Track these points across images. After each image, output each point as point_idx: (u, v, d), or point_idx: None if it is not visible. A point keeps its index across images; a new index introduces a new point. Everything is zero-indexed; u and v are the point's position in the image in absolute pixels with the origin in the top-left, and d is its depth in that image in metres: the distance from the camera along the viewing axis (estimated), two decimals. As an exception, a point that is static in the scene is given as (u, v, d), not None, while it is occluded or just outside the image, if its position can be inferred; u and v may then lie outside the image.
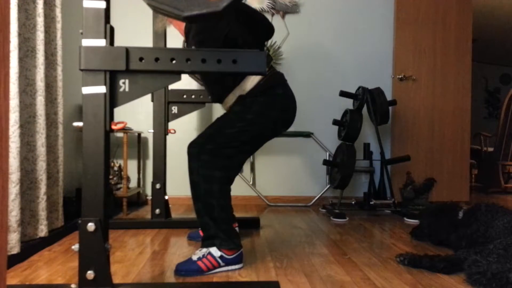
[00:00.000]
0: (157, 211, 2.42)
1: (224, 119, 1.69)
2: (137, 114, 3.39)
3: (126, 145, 2.79)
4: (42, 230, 1.98)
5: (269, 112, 1.70)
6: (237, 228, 1.91)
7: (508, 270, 1.36)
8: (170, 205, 2.73)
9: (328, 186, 3.40)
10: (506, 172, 4.90)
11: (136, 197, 3.35)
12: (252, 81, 1.70)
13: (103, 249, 1.23)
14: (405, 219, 2.81)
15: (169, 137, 3.40)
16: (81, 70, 1.21)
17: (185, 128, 3.42)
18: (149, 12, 3.39)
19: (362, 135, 3.51)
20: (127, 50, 1.22)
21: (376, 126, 3.10)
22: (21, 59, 1.87)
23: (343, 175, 2.84)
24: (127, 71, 1.23)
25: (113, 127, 1.26)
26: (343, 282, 1.50)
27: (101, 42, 1.22)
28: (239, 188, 3.41)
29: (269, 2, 3.41)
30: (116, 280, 1.50)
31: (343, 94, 3.12)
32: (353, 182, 3.47)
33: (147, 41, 3.38)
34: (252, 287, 1.43)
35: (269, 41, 3.45)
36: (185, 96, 2.54)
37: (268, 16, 3.43)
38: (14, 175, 1.72)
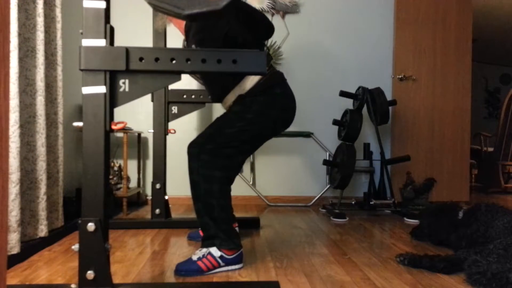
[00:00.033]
0: (157, 211, 2.42)
1: (224, 119, 1.69)
2: (137, 114, 3.39)
3: (126, 145, 2.79)
4: (42, 230, 1.98)
5: (269, 112, 1.70)
6: (237, 228, 1.91)
7: (508, 270, 1.36)
8: (170, 205, 2.73)
9: (328, 186, 3.40)
10: (506, 172, 4.90)
11: (136, 197, 3.35)
12: (251, 81, 1.70)
13: (103, 249, 1.23)
14: (405, 219, 2.81)
15: (169, 137, 3.40)
16: (81, 70, 1.21)
17: (185, 128, 3.42)
18: (149, 12, 3.39)
19: (362, 135, 3.51)
20: (127, 50, 1.22)
21: (376, 126, 3.10)
22: (21, 59, 1.87)
23: (343, 175, 2.84)
24: (127, 71, 1.23)
25: (113, 127, 1.26)
26: (343, 282, 1.50)
27: (101, 42, 1.22)
28: (239, 188, 3.41)
29: (269, 2, 3.41)
30: (116, 280, 1.50)
31: (343, 94, 3.12)
32: (353, 182, 3.47)
33: (147, 41, 3.38)
34: (252, 287, 1.43)
35: (269, 41, 3.45)
36: (185, 96, 2.54)
37: (268, 16, 3.43)
38: (14, 175, 1.72)
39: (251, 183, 3.42)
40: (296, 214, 2.97)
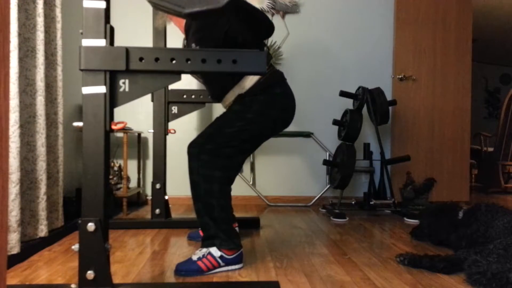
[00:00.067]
0: (157, 211, 2.42)
1: (224, 118, 1.69)
2: (137, 114, 3.39)
3: (126, 145, 2.79)
4: (42, 230, 1.98)
5: (268, 111, 1.70)
6: (237, 228, 1.91)
7: (508, 270, 1.36)
8: (170, 205, 2.73)
9: (328, 186, 3.40)
10: (506, 172, 4.90)
11: (136, 197, 3.35)
12: (251, 80, 1.70)
13: (103, 249, 1.23)
14: (405, 219, 2.81)
15: (169, 137, 3.40)
16: (81, 70, 1.21)
17: (185, 128, 3.42)
18: (149, 12, 3.39)
19: (362, 135, 3.51)
20: (127, 50, 1.22)
21: (376, 126, 3.10)
22: (21, 59, 1.87)
23: (343, 175, 2.84)
24: (127, 71, 1.23)
25: (113, 127, 1.26)
26: (343, 282, 1.50)
27: (101, 42, 1.22)
28: (239, 188, 3.41)
29: (269, 2, 3.42)
30: (116, 280, 1.50)
31: (343, 94, 3.12)
32: (353, 182, 3.47)
33: (147, 41, 3.38)
34: (252, 287, 1.43)
35: (269, 41, 3.45)
36: (185, 96, 2.54)
37: (268, 16, 3.43)
38: (14, 175, 1.72)
39: (251, 183, 3.42)
40: (296, 214, 2.97)
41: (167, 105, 2.50)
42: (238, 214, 2.88)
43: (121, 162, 3.33)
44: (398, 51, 3.47)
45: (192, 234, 2.16)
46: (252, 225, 2.48)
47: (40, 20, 1.97)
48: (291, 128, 3.44)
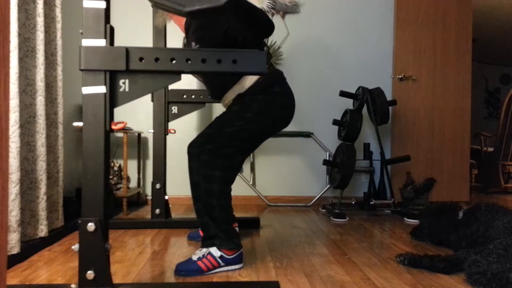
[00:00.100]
0: (157, 211, 2.42)
1: (223, 118, 1.69)
2: (137, 114, 3.39)
3: (126, 145, 2.79)
4: (42, 230, 1.98)
5: (268, 111, 1.70)
6: (237, 228, 1.91)
7: (508, 270, 1.36)
8: (170, 205, 2.72)
9: (328, 186, 3.40)
10: (506, 172, 4.90)
11: (136, 197, 3.35)
12: (251, 79, 1.70)
13: (103, 249, 1.23)
14: (405, 219, 2.81)
15: (169, 137, 3.40)
16: (81, 70, 1.21)
17: (185, 128, 3.42)
18: (149, 11, 3.39)
19: (362, 135, 3.51)
20: (127, 50, 1.22)
21: (376, 126, 3.10)
22: (21, 59, 1.87)
23: (343, 175, 2.84)
24: (127, 71, 1.23)
25: (113, 127, 1.26)
26: (343, 282, 1.50)
27: (101, 42, 1.23)
28: (239, 188, 3.41)
29: (269, 2, 3.42)
30: (116, 280, 1.50)
31: (343, 94, 3.12)
32: (353, 182, 3.47)
33: (147, 41, 3.38)
34: (252, 287, 1.43)
35: (269, 41, 3.45)
36: (185, 96, 2.54)
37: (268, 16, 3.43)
38: (14, 175, 1.72)
39: (251, 183, 3.42)
40: (296, 214, 2.97)
41: (167, 105, 2.50)
42: (238, 214, 2.88)
43: (121, 162, 3.33)
44: (398, 51, 3.47)
45: (192, 234, 2.16)
46: (252, 225, 2.48)
47: (40, 20, 1.97)
48: (291, 128, 3.44)
